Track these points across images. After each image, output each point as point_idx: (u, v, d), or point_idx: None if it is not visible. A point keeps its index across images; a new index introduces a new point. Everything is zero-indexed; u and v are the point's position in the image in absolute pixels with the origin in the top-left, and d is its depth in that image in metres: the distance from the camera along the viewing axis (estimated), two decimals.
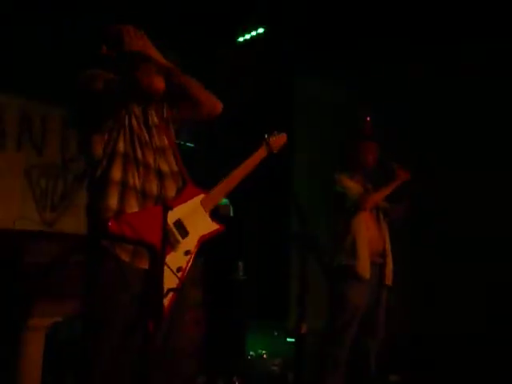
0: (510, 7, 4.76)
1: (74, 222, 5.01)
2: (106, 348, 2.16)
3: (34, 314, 2.95)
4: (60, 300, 2.99)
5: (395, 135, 5.22)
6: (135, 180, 2.25)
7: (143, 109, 2.39)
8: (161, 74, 2.27)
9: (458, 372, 4.60)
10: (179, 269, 2.25)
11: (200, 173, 2.66)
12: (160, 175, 2.32)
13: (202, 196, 2.41)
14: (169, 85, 2.30)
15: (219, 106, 2.53)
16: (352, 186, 3.83)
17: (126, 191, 2.22)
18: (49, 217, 5.11)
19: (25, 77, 4.70)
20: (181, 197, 2.35)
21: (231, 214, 4.91)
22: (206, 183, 2.49)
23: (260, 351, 5.58)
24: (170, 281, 2.14)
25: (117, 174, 2.23)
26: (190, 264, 2.30)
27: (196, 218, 2.35)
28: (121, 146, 2.26)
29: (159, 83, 2.26)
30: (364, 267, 3.70)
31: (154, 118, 2.42)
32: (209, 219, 2.41)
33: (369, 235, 3.77)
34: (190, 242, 2.32)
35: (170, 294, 2.14)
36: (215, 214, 2.46)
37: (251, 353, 5.50)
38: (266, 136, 2.74)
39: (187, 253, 2.30)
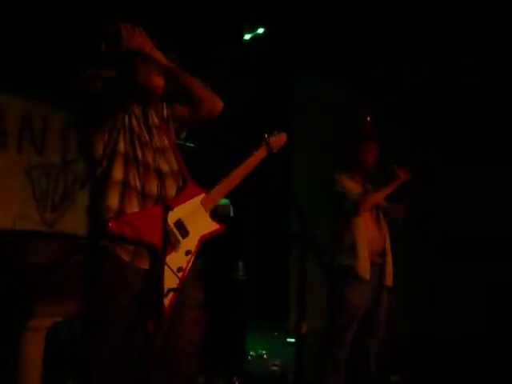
0: (510, 7, 4.77)
1: (74, 223, 5.02)
2: (106, 348, 2.16)
3: (34, 314, 2.95)
4: (60, 300, 2.98)
5: (395, 135, 5.22)
6: (136, 180, 2.25)
7: (143, 109, 2.39)
8: (160, 73, 2.26)
9: (458, 372, 4.60)
10: (180, 269, 2.25)
11: (200, 173, 2.66)
12: (160, 175, 2.31)
13: (202, 196, 2.41)
14: (169, 83, 2.30)
15: (220, 105, 2.52)
16: (352, 186, 3.83)
17: (126, 191, 2.22)
18: (49, 217, 5.12)
19: (25, 77, 4.71)
20: (181, 196, 2.34)
21: (231, 214, 4.91)
22: (206, 183, 2.48)
23: (260, 351, 5.59)
24: (171, 281, 2.14)
25: (118, 174, 2.23)
26: (190, 264, 2.30)
27: (196, 218, 2.35)
28: (121, 146, 2.26)
29: (158, 81, 2.25)
30: (364, 267, 3.69)
31: (154, 119, 2.42)
32: (209, 219, 2.41)
33: (369, 235, 3.77)
34: (191, 242, 2.32)
35: (171, 294, 2.14)
36: (215, 213, 2.46)
37: (251, 353, 5.51)
38: (266, 136, 2.73)
39: (188, 253, 2.30)
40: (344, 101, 6.04)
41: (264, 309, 6.19)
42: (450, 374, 4.64)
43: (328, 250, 3.88)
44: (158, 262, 2.02)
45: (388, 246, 3.86)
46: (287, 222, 6.16)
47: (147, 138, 2.34)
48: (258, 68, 5.90)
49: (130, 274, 2.17)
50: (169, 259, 2.09)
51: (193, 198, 2.38)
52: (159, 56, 2.29)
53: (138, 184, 2.25)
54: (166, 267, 2.03)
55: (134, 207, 2.21)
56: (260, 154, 2.66)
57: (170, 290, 2.09)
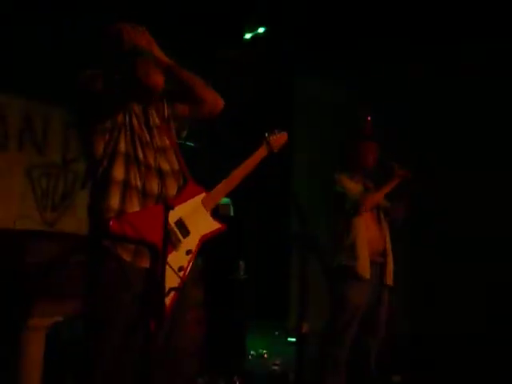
0: (510, 7, 4.77)
1: (74, 222, 5.02)
2: (107, 348, 2.16)
3: (34, 313, 2.95)
4: (60, 300, 2.98)
5: (395, 135, 5.23)
6: (136, 180, 2.25)
7: (144, 108, 2.39)
8: (160, 70, 2.26)
9: (458, 372, 4.60)
10: (181, 268, 2.25)
11: (200, 172, 2.66)
12: (161, 174, 2.31)
13: (203, 195, 2.41)
14: (169, 83, 2.30)
15: (221, 103, 2.51)
16: (352, 186, 3.83)
17: (127, 191, 2.22)
18: (49, 216, 5.12)
19: (25, 77, 4.71)
20: (182, 196, 2.34)
21: (231, 214, 4.91)
22: (206, 183, 2.48)
23: (261, 351, 5.59)
24: (172, 280, 2.14)
25: (119, 173, 2.22)
26: (191, 263, 2.30)
27: (197, 218, 2.35)
28: (122, 145, 2.26)
29: (158, 78, 2.25)
30: (364, 267, 3.69)
31: (155, 119, 2.41)
32: (210, 218, 2.41)
33: (369, 235, 3.77)
34: (192, 242, 2.32)
35: (172, 294, 2.14)
36: (216, 213, 2.46)
37: (252, 352, 5.50)
38: (267, 135, 2.71)
39: (189, 252, 2.30)
40: (344, 101, 6.04)
41: (264, 308, 6.19)
42: (451, 373, 4.64)
43: (328, 249, 3.88)
44: (159, 262, 2.02)
45: (389, 245, 3.86)
46: (287, 222, 6.16)
47: (148, 138, 2.34)
48: (258, 68, 5.90)
49: (131, 273, 2.17)
50: (170, 258, 2.10)
51: (193, 197, 2.38)
52: (161, 54, 2.29)
53: (138, 183, 2.25)
54: (167, 266, 2.03)
55: (134, 207, 2.21)
56: (260, 153, 2.66)
57: (171, 289, 2.09)
